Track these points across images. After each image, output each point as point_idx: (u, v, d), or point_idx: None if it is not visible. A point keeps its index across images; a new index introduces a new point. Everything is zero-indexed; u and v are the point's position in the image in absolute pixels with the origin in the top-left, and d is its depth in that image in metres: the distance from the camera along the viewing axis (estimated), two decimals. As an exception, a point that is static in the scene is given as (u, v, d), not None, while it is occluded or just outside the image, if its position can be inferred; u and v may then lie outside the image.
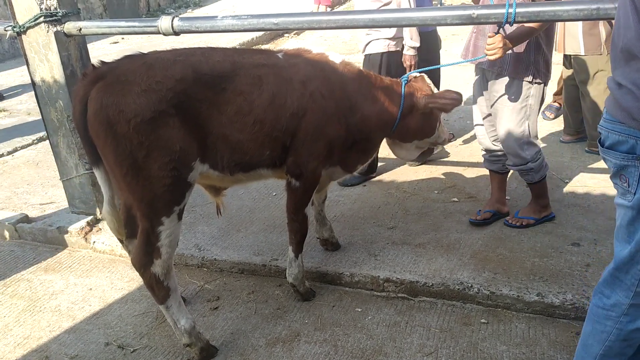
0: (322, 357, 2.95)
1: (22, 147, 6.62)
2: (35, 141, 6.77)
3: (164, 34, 3.58)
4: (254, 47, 9.91)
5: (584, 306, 3.03)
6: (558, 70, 5.47)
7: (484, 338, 2.99)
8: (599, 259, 3.43)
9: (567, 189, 4.40)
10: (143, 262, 2.80)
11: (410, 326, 3.12)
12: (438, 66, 4.71)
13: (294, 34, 11.99)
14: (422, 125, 3.44)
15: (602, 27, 4.58)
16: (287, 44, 11.37)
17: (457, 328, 3.08)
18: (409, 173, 4.95)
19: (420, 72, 3.44)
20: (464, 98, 6.84)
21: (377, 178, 4.90)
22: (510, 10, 2.78)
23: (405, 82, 3.35)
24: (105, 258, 4.10)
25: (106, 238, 4.14)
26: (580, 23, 4.58)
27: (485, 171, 4.78)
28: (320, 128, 3.07)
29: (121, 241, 3.24)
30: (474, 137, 5.64)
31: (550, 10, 2.84)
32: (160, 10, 15.28)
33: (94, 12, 13.55)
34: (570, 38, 4.76)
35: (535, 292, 3.16)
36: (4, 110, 8.19)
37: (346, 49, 9.93)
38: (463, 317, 3.17)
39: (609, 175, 2.17)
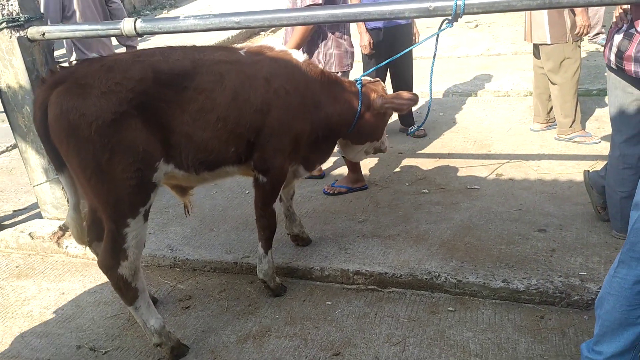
0: (291, 350, 2.97)
1: (-4, 154, 6.58)
2: (10, 148, 6.74)
3: (127, 36, 3.58)
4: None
5: (548, 290, 3.09)
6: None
7: (450, 325, 3.04)
8: (563, 244, 3.49)
9: (536, 176, 4.46)
10: (110, 264, 2.80)
11: (379, 317, 3.16)
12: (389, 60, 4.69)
13: (271, 32, 11.96)
14: (374, 128, 3.56)
15: (567, 16, 4.65)
16: (264, 41, 11.32)
17: (424, 317, 3.13)
18: (380, 166, 5.00)
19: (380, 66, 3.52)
20: (438, 89, 6.92)
21: (350, 172, 4.94)
22: (459, 2, 2.81)
23: (360, 84, 3.42)
24: (78, 262, 4.10)
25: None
26: (545, 12, 4.64)
27: (455, 162, 4.85)
28: (285, 123, 3.09)
29: (90, 244, 3.23)
30: (445, 129, 5.71)
31: (505, 1, 2.88)
32: (135, 12, 15.18)
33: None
34: (537, 27, 4.82)
35: (501, 278, 3.21)
36: (-22, 118, 8.11)
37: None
38: (431, 306, 3.22)
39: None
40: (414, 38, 5.37)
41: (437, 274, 3.32)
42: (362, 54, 5.39)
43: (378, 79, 3.55)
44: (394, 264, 3.47)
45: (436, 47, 3.37)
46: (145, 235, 2.91)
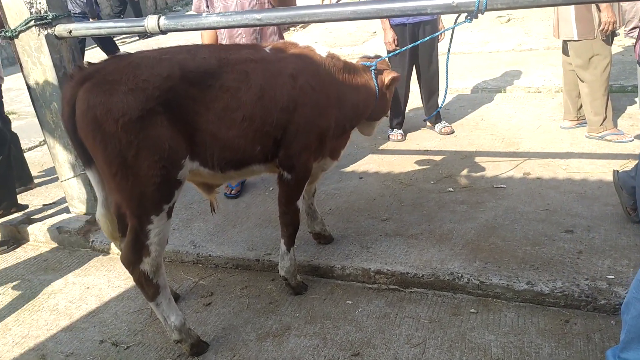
0: (310, 350, 2.96)
1: (29, 149, 6.73)
2: (42, 142, 6.88)
3: (151, 33, 3.62)
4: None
5: (573, 293, 3.01)
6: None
7: (472, 328, 2.98)
8: (591, 245, 3.39)
9: (565, 175, 4.35)
10: (132, 260, 2.83)
11: (400, 317, 3.13)
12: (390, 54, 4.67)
13: (300, 27, 11.96)
14: (387, 103, 3.65)
15: (595, 12, 4.52)
16: (293, 36, 11.36)
17: (446, 318, 3.08)
18: (405, 164, 4.94)
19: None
20: (467, 85, 6.83)
21: (374, 170, 4.90)
22: (481, -1, 2.76)
23: (374, 68, 3.44)
24: (103, 257, 4.16)
25: (104, 237, 4.18)
26: (572, 8, 4.51)
27: (482, 160, 4.77)
28: (311, 120, 3.09)
29: (114, 242, 3.27)
30: (473, 126, 5.62)
31: (530, -3, 2.81)
32: (167, 8, 15.35)
33: (102, 12, 13.65)
34: (564, 23, 4.70)
35: (525, 280, 3.14)
36: (13, 113, 8.33)
37: (350, 41, 9.90)
38: (453, 307, 3.17)
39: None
40: (439, 35, 5.29)
41: (460, 275, 3.27)
42: (387, 50, 5.34)
43: (382, 57, 3.59)
44: (416, 263, 3.43)
45: (451, 41, 3.34)
46: (169, 233, 2.93)
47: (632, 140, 4.77)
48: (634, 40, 7.23)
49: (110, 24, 3.79)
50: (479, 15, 2.84)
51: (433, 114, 5.49)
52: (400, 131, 5.65)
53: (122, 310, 3.50)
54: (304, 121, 3.05)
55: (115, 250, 4.09)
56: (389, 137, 5.66)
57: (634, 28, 7.12)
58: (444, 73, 3.64)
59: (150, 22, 3.52)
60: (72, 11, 4.62)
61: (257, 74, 2.92)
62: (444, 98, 3.82)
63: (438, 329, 3.01)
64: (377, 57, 3.58)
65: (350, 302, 3.31)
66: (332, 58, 3.28)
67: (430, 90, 5.60)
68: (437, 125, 5.68)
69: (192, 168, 2.88)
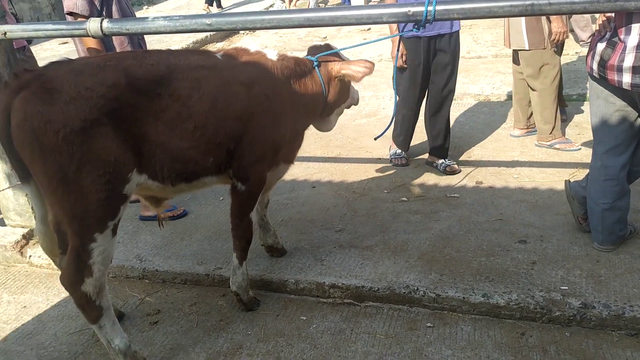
0: (263, 370, 2.85)
1: (-39, 156, 6.33)
2: (-24, 149, 6.49)
3: (93, 37, 3.41)
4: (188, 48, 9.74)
5: (529, 305, 3.00)
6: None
7: (429, 342, 2.93)
8: (544, 256, 3.40)
9: (516, 184, 4.38)
10: (73, 281, 2.63)
11: (356, 333, 3.04)
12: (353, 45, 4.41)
13: (249, 32, 11.79)
14: (340, 95, 3.50)
15: (545, 23, 4.59)
16: (242, 40, 11.20)
17: (402, 333, 3.01)
18: (359, 172, 4.88)
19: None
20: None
21: (327, 179, 4.82)
22: (430, 8, 2.70)
23: (316, 61, 3.34)
24: (42, 272, 3.93)
25: (43, 252, 3.95)
26: (523, 18, 4.57)
27: (433, 170, 4.75)
28: (266, 130, 3.00)
29: (54, 260, 3.07)
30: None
31: (486, 7, 2.77)
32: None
33: (42, 12, 13.17)
34: (515, 33, 4.75)
35: (481, 292, 3.12)
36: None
37: (301, 45, 9.82)
38: (409, 321, 3.11)
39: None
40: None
41: (416, 288, 3.21)
42: (395, 66, 4.18)
43: (334, 48, 3.45)
44: (372, 276, 3.35)
45: (398, 49, 3.28)
46: (113, 251, 2.75)
47: (580, 148, 4.85)
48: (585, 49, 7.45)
49: (49, 26, 3.56)
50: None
51: (384, 131, 4.00)
52: (404, 154, 4.99)
53: (62, 330, 3.29)
54: (258, 131, 2.96)
55: (54, 266, 3.85)
56: (390, 159, 5.02)
57: (591, 36, 7.30)
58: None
59: (93, 25, 3.30)
60: None
61: (209, 82, 2.79)
62: (394, 112, 3.77)
63: (395, 344, 2.94)
64: (327, 46, 3.48)
65: (304, 318, 3.20)
66: (283, 60, 3.20)
67: (438, 117, 4.75)
68: (440, 162, 4.80)
69: (139, 182, 2.72)
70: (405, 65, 4.55)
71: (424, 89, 4.70)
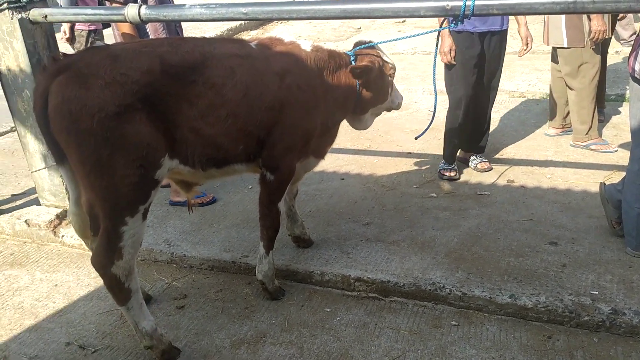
0: (286, 359, 2.86)
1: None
2: (13, 129, 6.63)
3: (131, 23, 3.46)
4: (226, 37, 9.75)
5: (557, 309, 2.95)
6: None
7: (453, 341, 2.91)
8: (575, 259, 3.34)
9: (549, 184, 4.30)
10: (103, 263, 2.69)
11: (379, 328, 3.04)
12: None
13: (283, 21, 11.80)
14: (376, 93, 3.43)
15: (586, 20, 4.47)
16: (275, 29, 11.19)
17: (426, 330, 3.00)
18: (388, 166, 4.85)
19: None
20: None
21: (356, 171, 4.80)
22: (469, 2, 2.65)
23: (353, 56, 3.30)
24: (73, 252, 4.00)
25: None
26: (563, 15, 4.46)
27: (465, 165, 4.70)
28: (297, 121, 3.01)
29: (85, 242, 3.13)
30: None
31: (527, 3, 2.73)
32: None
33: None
34: (554, 30, 4.66)
35: (508, 293, 3.08)
36: (-16, 96, 8.03)
37: (335, 36, 9.79)
38: (434, 318, 3.09)
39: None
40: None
41: (442, 285, 3.19)
42: (444, 63, 4.31)
43: (372, 42, 3.39)
44: (397, 272, 3.34)
45: (437, 45, 3.25)
46: (143, 235, 2.79)
47: (617, 150, 4.74)
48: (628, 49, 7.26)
49: (89, 10, 3.63)
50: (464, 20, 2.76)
51: (424, 130, 3.88)
52: (454, 166, 4.59)
53: (91, 310, 3.36)
54: (289, 122, 2.97)
55: (86, 247, 3.93)
56: (439, 173, 4.60)
57: (634, 34, 7.09)
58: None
59: (131, 11, 3.36)
60: None
61: (243, 71, 2.81)
62: (435, 109, 3.71)
63: (418, 341, 2.92)
64: (370, 43, 3.41)
65: (328, 310, 3.21)
66: (317, 51, 3.19)
67: (479, 115, 4.55)
68: (472, 159, 4.72)
69: (171, 167, 2.76)
70: (453, 62, 4.26)
71: (475, 87, 4.38)
